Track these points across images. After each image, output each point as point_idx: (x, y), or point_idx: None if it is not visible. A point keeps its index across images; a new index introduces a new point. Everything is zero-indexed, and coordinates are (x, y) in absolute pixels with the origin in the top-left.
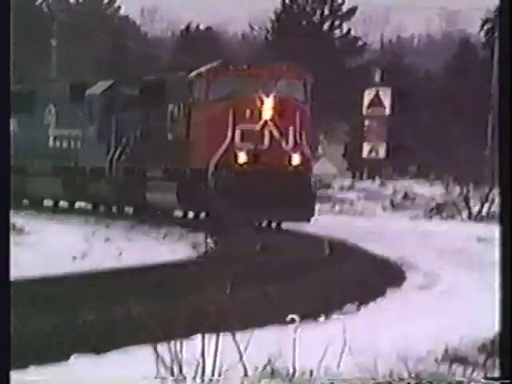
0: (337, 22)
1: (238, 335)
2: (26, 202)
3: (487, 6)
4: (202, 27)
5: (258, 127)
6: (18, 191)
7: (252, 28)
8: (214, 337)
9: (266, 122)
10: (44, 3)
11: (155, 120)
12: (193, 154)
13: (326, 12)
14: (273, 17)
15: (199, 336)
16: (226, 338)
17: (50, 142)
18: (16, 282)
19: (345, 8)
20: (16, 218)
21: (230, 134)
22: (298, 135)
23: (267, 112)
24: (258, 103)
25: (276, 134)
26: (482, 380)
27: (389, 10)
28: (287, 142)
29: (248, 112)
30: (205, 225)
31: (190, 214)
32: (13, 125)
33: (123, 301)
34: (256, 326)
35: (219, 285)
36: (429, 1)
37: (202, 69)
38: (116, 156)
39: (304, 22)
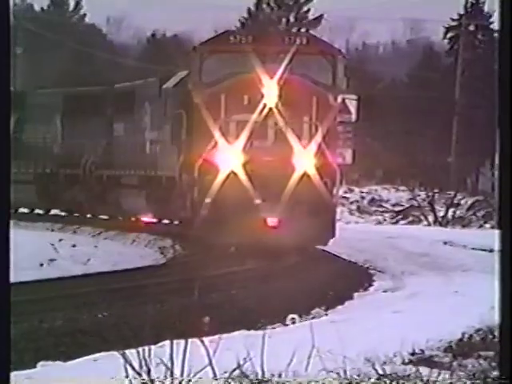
0: (303, 30)
1: (207, 340)
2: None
3: (450, 14)
4: (168, 35)
5: (258, 118)
6: (114, 205)
7: None
8: (182, 342)
9: (270, 110)
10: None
11: None
12: (185, 156)
13: (292, 20)
14: (238, 25)
15: (168, 341)
16: (194, 343)
17: (147, 148)
18: None
19: (310, 16)
20: None
21: (220, 127)
22: (313, 128)
23: (271, 98)
24: (260, 86)
25: (283, 126)
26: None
27: (354, 18)
28: (299, 138)
29: (246, 98)
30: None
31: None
32: (119, 130)
33: (91, 307)
34: (225, 330)
35: (187, 289)
36: (393, 10)
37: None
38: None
39: (270, 30)
